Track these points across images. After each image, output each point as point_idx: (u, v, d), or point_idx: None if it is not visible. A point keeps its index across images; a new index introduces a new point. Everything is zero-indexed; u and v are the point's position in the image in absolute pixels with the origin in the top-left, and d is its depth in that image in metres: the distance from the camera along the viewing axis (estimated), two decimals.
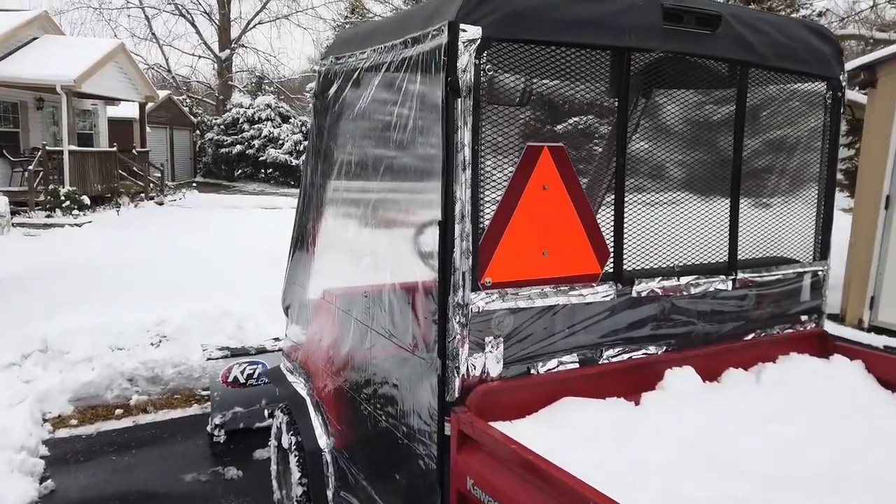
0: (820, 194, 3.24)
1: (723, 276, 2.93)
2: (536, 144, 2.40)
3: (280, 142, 30.61)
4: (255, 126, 30.98)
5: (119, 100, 21.54)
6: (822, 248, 3.27)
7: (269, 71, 38.74)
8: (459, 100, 2.23)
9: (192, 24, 37.29)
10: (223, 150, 31.51)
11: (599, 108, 2.61)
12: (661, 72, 2.68)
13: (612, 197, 2.64)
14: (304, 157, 3.58)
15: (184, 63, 57.01)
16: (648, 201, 2.74)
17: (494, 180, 2.36)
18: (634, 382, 2.67)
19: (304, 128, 30.87)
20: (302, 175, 3.64)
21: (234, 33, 37.59)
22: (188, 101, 35.45)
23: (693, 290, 2.85)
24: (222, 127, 31.77)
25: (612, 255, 2.62)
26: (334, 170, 3.33)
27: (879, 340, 6.36)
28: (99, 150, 19.68)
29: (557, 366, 2.57)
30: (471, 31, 2.19)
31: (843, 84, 3.17)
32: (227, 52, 36.33)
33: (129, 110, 24.38)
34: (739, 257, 2.97)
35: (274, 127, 30.84)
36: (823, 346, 3.22)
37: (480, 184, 2.31)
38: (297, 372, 3.92)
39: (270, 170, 31.19)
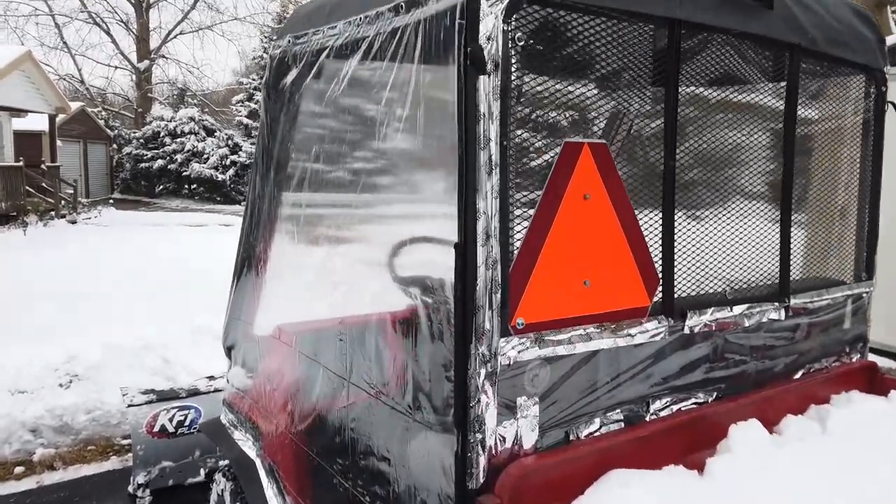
0: (863, 203, 2.80)
1: (775, 304, 2.42)
2: (576, 141, 1.83)
3: (205, 156, 29.24)
4: (178, 140, 29.52)
5: (26, 111, 19.95)
6: (868, 266, 2.82)
7: (192, 83, 37.16)
8: (483, 78, 1.63)
9: (108, 34, 35.34)
10: (143, 164, 29.87)
11: (641, 98, 2.06)
12: (709, 56, 2.16)
13: (653, 209, 2.09)
14: (251, 165, 2.89)
15: (99, 74, 54.43)
16: (695, 215, 2.20)
17: (526, 188, 1.77)
18: (690, 442, 2.12)
19: (230, 142, 29.64)
20: (249, 187, 2.93)
21: (154, 43, 35.87)
22: (104, 113, 33.52)
23: (747, 322, 2.33)
24: (142, 141, 30.14)
25: (661, 282, 2.07)
26: (294, 179, 2.66)
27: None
28: (3, 165, 18.08)
29: (600, 427, 2.00)
30: None
31: (887, 77, 2.75)
32: (147, 62, 34.59)
33: (37, 122, 22.63)
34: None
35: (198, 141, 29.45)
36: (874, 380, 2.77)
37: (510, 192, 1.72)
38: (244, 427, 3.19)
39: (195, 185, 29.76)
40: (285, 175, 2.73)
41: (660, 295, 2.08)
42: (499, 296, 1.70)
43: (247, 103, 30.71)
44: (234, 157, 29.21)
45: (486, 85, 1.64)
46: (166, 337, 6.74)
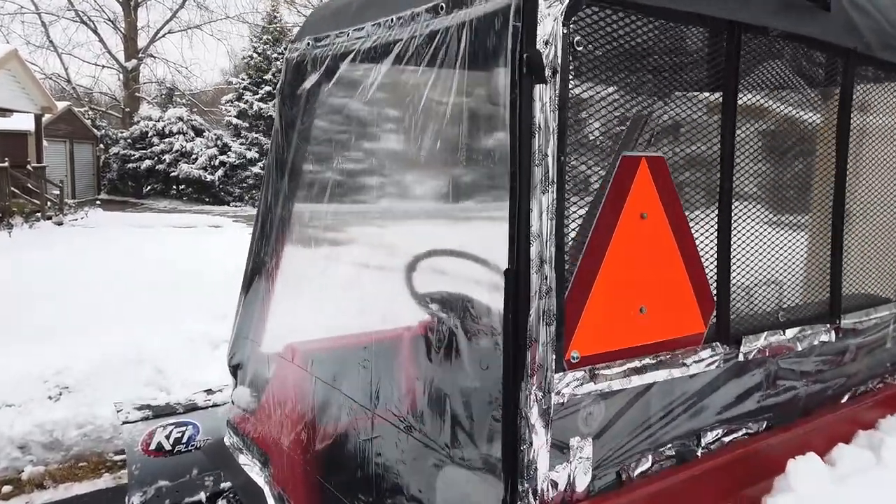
0: None
1: (826, 325, 2.27)
2: (633, 155, 1.67)
3: (193, 156, 28.85)
4: (166, 140, 29.12)
5: (11, 111, 19.57)
6: None
7: (181, 82, 36.72)
8: (540, 87, 1.47)
9: (95, 32, 34.86)
10: (130, 165, 29.45)
11: (696, 107, 1.90)
12: (769, 62, 2.01)
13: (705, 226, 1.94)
14: (264, 174, 2.70)
15: (86, 73, 53.76)
16: (748, 231, 2.05)
17: (582, 207, 1.61)
18: (744, 478, 1.97)
19: (219, 142, 29.27)
20: (261, 196, 2.75)
21: (142, 42, 35.42)
22: (91, 113, 33.05)
23: (799, 346, 2.18)
24: (129, 141, 29.71)
25: (716, 307, 1.91)
26: (313, 189, 2.48)
27: None
28: None
29: (652, 465, 1.84)
30: None
31: None
32: (134, 62, 34.15)
33: (23, 122, 22.21)
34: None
35: (186, 141, 29.07)
36: None
37: (567, 213, 1.55)
38: (250, 451, 3.01)
39: (183, 186, 29.38)
40: (302, 185, 2.55)
41: (713, 320, 1.92)
42: (553, 328, 1.54)
43: (236, 103, 30.32)
44: (223, 158, 28.86)
45: (544, 94, 1.47)
46: (159, 345, 6.54)
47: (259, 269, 2.89)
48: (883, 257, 2.54)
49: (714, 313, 1.91)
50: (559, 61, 1.48)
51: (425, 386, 1.88)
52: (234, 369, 3.17)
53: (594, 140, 1.62)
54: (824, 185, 2.27)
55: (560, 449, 1.60)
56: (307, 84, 2.38)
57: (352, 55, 2.11)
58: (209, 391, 4.90)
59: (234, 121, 30.17)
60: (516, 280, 1.51)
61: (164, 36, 36.32)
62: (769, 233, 2.08)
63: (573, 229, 1.59)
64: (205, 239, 16.02)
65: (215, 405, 4.64)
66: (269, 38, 30.24)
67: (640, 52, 1.68)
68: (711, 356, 1.89)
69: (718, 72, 1.86)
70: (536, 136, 1.49)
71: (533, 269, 1.51)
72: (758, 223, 2.04)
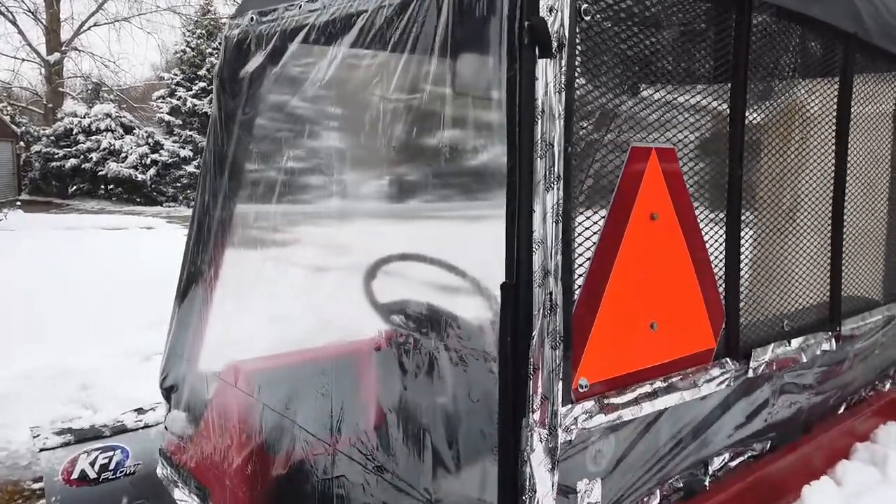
0: None
1: (827, 333, 2.10)
2: (643, 146, 1.43)
3: (123, 155, 27.57)
4: (93, 137, 27.73)
5: None
6: None
7: (108, 77, 35.03)
8: (543, 63, 1.21)
9: (14, 24, 32.87)
10: (54, 163, 27.91)
11: (705, 94, 1.67)
12: (778, 46, 1.80)
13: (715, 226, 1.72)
14: (200, 170, 2.35)
15: (3, 66, 50.80)
16: (757, 233, 1.85)
17: (589, 207, 1.36)
18: None
19: (150, 140, 28.08)
20: (196, 196, 2.40)
21: (66, 35, 33.66)
22: (9, 109, 31.21)
23: (804, 357, 1.99)
24: (53, 138, 28.17)
25: (725, 318, 1.70)
26: (259, 187, 2.17)
27: None
28: None
29: (661, 501, 1.60)
30: None
31: None
32: (57, 55, 32.40)
33: None
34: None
35: (115, 138, 27.76)
36: None
37: (574, 214, 1.30)
38: (187, 485, 2.66)
39: (112, 185, 28.06)
40: (246, 183, 2.23)
41: (724, 334, 1.71)
42: (560, 352, 1.28)
43: (168, 100, 29.16)
44: (154, 156, 27.71)
45: (548, 72, 1.22)
46: (86, 357, 6.04)
47: (195, 278, 2.54)
48: (877, 259, 2.40)
49: (723, 325, 1.70)
50: (566, 32, 1.23)
51: (399, 418, 1.60)
52: (168, 392, 2.80)
53: (601, 127, 1.37)
54: (824, 181, 2.09)
55: (565, 494, 1.35)
56: (250, 67, 2.06)
57: (304, 31, 1.80)
58: (140, 410, 4.47)
59: (167, 118, 29.02)
60: (516, 296, 1.25)
61: (89, 28, 34.61)
62: (777, 232, 1.88)
63: (580, 234, 1.34)
64: (136, 241, 15.25)
65: (147, 426, 4.23)
66: (203, 31, 29.16)
67: (652, 23, 1.45)
68: (722, 374, 1.68)
69: (728, 53, 1.64)
70: (539, 121, 1.23)
71: (535, 283, 1.25)
72: (768, 221, 1.84)
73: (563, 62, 1.23)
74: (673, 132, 1.52)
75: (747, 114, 1.66)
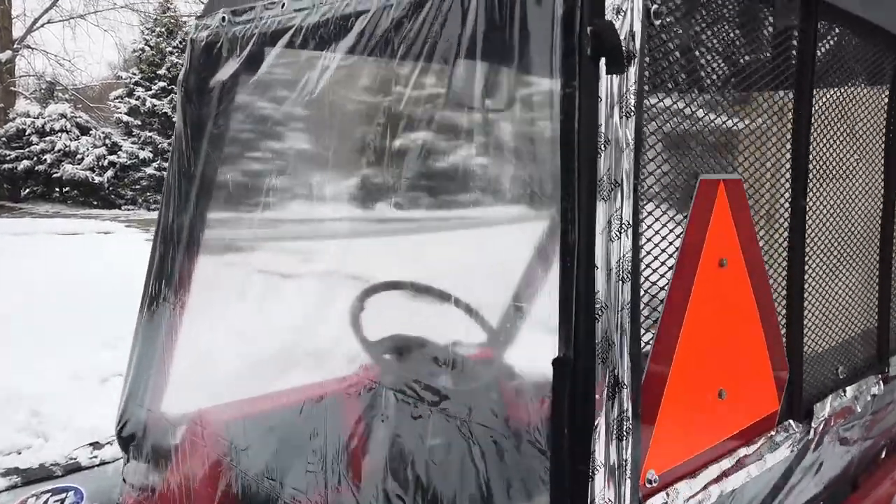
0: None
1: (877, 375, 1.89)
2: (712, 178, 1.18)
3: (79, 157, 26.65)
4: (47, 139, 26.75)
5: None
6: None
7: (63, 76, 33.86)
8: (609, 80, 0.95)
9: None
10: (6, 166, 26.83)
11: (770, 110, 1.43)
12: (842, 52, 1.58)
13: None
14: (164, 190, 2.04)
15: None
16: (821, 267, 1.61)
17: (657, 256, 1.11)
18: None
19: (108, 141, 27.21)
20: (160, 216, 2.08)
21: (18, 32, 32.43)
22: None
23: (858, 407, 1.77)
24: (4, 139, 27.09)
25: (789, 374, 1.46)
26: (233, 212, 1.87)
27: None
28: None
29: None
30: None
31: None
32: (9, 53, 31.16)
33: None
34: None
35: (71, 140, 26.81)
36: None
37: (643, 268, 1.04)
38: None
39: (67, 188, 27.13)
40: (218, 205, 1.93)
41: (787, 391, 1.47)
42: (628, 442, 1.02)
43: (127, 99, 28.24)
44: (112, 158, 26.85)
45: (615, 90, 0.95)
46: (36, 379, 5.61)
47: (159, 313, 2.22)
48: None
49: (787, 382, 1.46)
50: (636, 40, 0.97)
51: (417, 496, 1.32)
52: (126, 442, 2.47)
53: (673, 158, 1.12)
54: (871, 207, 1.87)
55: None
56: (222, 74, 1.75)
57: (289, 35, 1.51)
58: (95, 444, 4.12)
59: (125, 118, 28.14)
60: (574, 373, 0.98)
61: (43, 26, 33.42)
62: (836, 266, 1.66)
63: (646, 291, 1.08)
64: (94, 247, 14.62)
65: (104, 463, 3.89)
66: (163, 29, 28.35)
67: (722, 29, 1.19)
68: (787, 439, 1.44)
69: (791, 60, 1.40)
70: (603, 154, 0.96)
71: (599, 358, 0.98)
72: (827, 255, 1.61)
73: (634, 78, 0.98)
74: (739, 158, 1.28)
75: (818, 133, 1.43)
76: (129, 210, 26.10)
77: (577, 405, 0.99)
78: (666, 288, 1.11)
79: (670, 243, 1.13)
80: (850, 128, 1.63)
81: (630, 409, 1.02)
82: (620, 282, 1.00)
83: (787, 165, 1.41)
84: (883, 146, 1.82)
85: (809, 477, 1.63)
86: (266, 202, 1.82)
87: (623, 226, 1.00)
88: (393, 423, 1.34)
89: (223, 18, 1.75)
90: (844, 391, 1.71)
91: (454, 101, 1.16)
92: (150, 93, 27.76)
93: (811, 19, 1.39)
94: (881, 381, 1.92)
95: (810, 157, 1.44)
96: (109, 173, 26.79)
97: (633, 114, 0.98)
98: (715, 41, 1.17)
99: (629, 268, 1.00)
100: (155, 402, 2.31)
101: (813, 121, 1.43)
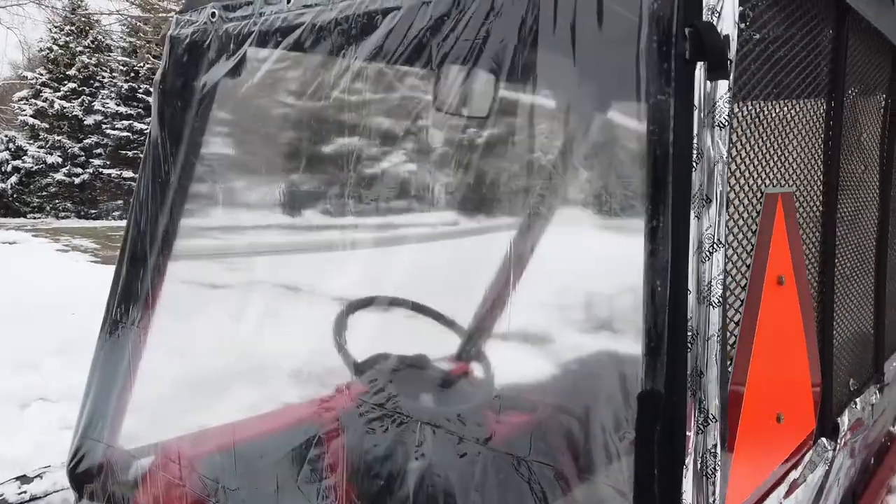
0: None
1: (877, 384, 1.90)
2: (773, 192, 1.13)
3: None
4: None
5: None
6: None
7: None
8: (704, 86, 0.88)
9: None
10: None
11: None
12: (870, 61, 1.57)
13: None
14: (132, 201, 1.83)
15: None
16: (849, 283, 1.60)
17: (736, 277, 1.04)
18: None
19: (11, 145, 25.57)
20: (127, 232, 1.87)
21: None
22: None
23: (866, 417, 1.77)
24: None
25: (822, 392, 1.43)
26: (221, 228, 1.69)
27: None
28: None
29: None
30: None
31: None
32: None
33: None
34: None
35: None
36: None
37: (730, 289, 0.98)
38: None
39: None
40: (200, 215, 1.75)
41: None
42: (716, 480, 0.94)
43: (33, 101, 26.63)
44: (16, 163, 25.26)
45: (709, 98, 0.88)
46: None
47: (124, 333, 2.01)
48: None
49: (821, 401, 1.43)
50: (732, 43, 0.89)
51: None
52: (79, 480, 2.23)
53: (755, 171, 1.05)
54: (869, 218, 1.89)
55: None
56: (210, 77, 1.58)
57: (296, 34, 1.35)
58: (23, 478, 3.76)
59: (31, 121, 26.51)
60: (663, 409, 0.90)
61: None
62: (854, 278, 1.65)
63: (730, 318, 1.01)
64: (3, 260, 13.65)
65: (34, 498, 3.56)
66: (73, 28, 26.86)
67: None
68: (822, 458, 1.40)
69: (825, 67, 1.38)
70: (696, 168, 0.88)
71: (689, 391, 0.90)
72: (849, 268, 1.60)
73: (728, 85, 0.90)
74: (795, 172, 1.23)
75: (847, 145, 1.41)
76: (35, 218, 24.59)
77: (665, 443, 0.91)
78: (740, 310, 1.05)
79: (743, 262, 1.07)
80: (869, 137, 1.64)
81: (718, 445, 0.95)
82: (710, 307, 0.93)
83: (822, 179, 1.39)
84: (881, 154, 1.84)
85: (833, 493, 1.61)
86: (256, 216, 1.66)
87: (715, 245, 0.92)
88: (430, 459, 1.22)
89: (212, 14, 1.58)
90: (856, 403, 1.70)
91: (520, 109, 1.06)
92: (58, 94, 26.26)
93: (843, 27, 1.37)
94: (878, 390, 1.94)
95: (840, 169, 1.43)
96: (13, 179, 25.20)
97: (726, 124, 0.91)
98: (786, 47, 1.12)
99: (720, 292, 0.93)
100: (115, 436, 2.09)
101: (843, 132, 1.41)
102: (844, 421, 1.58)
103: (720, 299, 0.93)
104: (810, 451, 1.37)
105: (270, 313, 1.86)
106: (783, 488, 1.22)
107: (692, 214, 0.91)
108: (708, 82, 0.89)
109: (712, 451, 0.95)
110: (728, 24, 0.91)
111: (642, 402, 0.91)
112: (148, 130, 1.71)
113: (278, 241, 1.84)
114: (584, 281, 1.14)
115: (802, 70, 1.31)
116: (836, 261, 1.47)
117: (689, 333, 0.91)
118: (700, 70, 0.88)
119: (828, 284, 1.43)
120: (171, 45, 1.68)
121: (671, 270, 0.90)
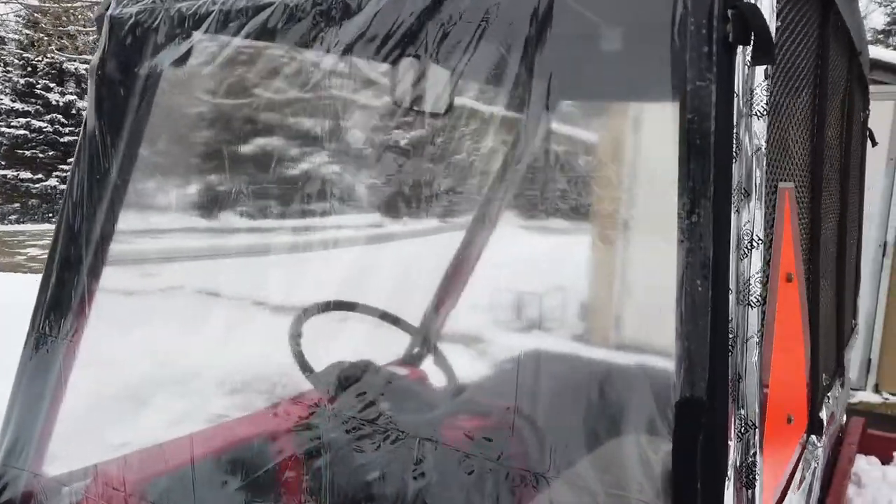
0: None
1: (840, 379, 1.93)
2: (785, 186, 1.10)
3: None
4: None
5: None
6: (856, 312, 2.50)
7: None
8: (747, 73, 0.82)
9: None
10: None
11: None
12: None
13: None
14: (63, 199, 1.64)
15: None
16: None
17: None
18: None
19: None
20: (60, 230, 1.66)
21: None
22: None
23: (836, 411, 1.79)
24: None
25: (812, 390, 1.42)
26: (169, 226, 1.53)
27: None
28: None
29: None
30: None
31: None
32: None
33: None
34: None
35: None
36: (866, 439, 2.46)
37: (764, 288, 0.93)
38: None
39: None
40: (142, 214, 1.57)
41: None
42: (755, 487, 0.89)
43: None
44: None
45: (751, 86, 0.82)
46: None
47: (52, 347, 1.80)
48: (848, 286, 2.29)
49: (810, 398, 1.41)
50: (772, 28, 0.84)
51: None
52: None
53: (784, 164, 1.00)
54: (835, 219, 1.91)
55: None
56: (158, 62, 1.40)
57: (263, 18, 1.21)
58: None
59: None
60: (703, 417, 0.83)
61: None
62: (828, 272, 1.65)
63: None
64: None
65: None
66: None
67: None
68: (813, 456, 1.39)
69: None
70: (736, 159, 0.82)
71: (731, 397, 0.84)
72: (826, 265, 1.59)
73: (767, 72, 0.84)
74: (793, 167, 1.20)
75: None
76: None
77: (709, 454, 0.84)
78: (763, 308, 1.00)
79: (762, 259, 1.02)
80: (833, 134, 1.64)
81: (757, 453, 0.89)
82: (748, 307, 0.87)
83: (809, 174, 1.37)
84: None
85: (815, 490, 1.61)
86: (204, 217, 1.51)
87: (754, 241, 0.86)
88: (436, 476, 1.11)
89: None
90: (828, 398, 1.71)
91: (531, 96, 0.97)
92: None
93: (826, 25, 1.35)
94: (841, 384, 1.97)
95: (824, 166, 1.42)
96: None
97: (765, 114, 0.85)
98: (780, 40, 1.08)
99: (759, 291, 0.87)
100: (41, 462, 1.88)
101: (826, 128, 1.40)
102: (825, 417, 1.58)
103: (759, 299, 0.88)
104: (805, 450, 1.35)
105: (221, 323, 1.71)
106: (791, 490, 1.19)
107: (732, 209, 0.85)
108: (746, 68, 0.83)
109: (752, 459, 0.89)
110: (766, 9, 0.85)
111: (680, 409, 0.85)
112: (83, 122, 1.52)
113: (229, 244, 1.69)
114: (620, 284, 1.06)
115: (795, 65, 1.29)
116: (822, 255, 1.46)
117: (731, 336, 0.86)
118: (741, 55, 0.82)
119: (815, 280, 1.42)
120: (110, 26, 1.48)
121: (714, 268, 0.84)
